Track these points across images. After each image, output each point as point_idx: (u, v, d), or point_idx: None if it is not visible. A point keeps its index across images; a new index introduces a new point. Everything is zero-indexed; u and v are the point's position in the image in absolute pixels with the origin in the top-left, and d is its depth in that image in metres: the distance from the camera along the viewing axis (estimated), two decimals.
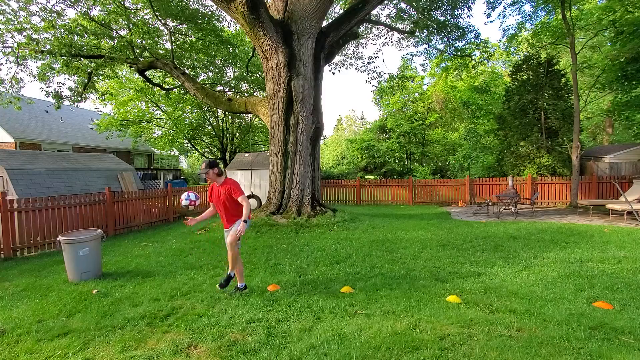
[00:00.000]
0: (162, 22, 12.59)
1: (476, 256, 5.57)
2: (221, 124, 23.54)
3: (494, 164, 16.74)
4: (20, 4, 10.22)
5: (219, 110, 20.73)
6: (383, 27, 14.97)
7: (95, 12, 11.63)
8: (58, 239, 4.71)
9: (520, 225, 8.28)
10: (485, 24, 26.62)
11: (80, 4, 10.85)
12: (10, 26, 10.40)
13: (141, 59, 12.43)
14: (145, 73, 13.29)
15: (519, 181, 13.22)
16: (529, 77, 14.25)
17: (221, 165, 4.05)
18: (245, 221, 3.78)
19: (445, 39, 14.02)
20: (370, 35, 15.92)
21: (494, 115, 17.23)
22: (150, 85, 15.68)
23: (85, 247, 4.71)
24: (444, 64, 17.57)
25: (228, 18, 15.13)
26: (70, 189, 10.18)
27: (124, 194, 9.24)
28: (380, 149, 26.89)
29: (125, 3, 11.57)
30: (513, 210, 10.69)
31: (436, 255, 5.69)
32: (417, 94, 28.13)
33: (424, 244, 6.57)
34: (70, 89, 12.71)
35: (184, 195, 3.99)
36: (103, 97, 15.99)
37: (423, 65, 26.39)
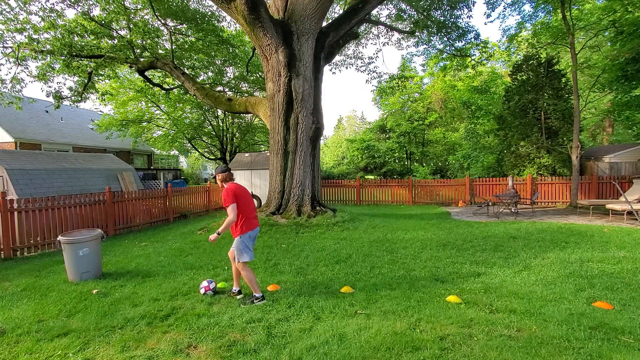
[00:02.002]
0: (162, 22, 12.59)
1: (476, 256, 5.57)
2: (221, 124, 23.53)
3: (494, 164, 16.73)
4: (20, 3, 10.22)
5: (219, 110, 20.73)
6: (383, 27, 14.97)
7: (95, 12, 11.65)
8: (58, 239, 4.71)
9: (520, 225, 8.28)
10: (485, 24, 26.72)
11: (80, 4, 10.85)
12: (11, 26, 10.39)
13: (141, 59, 12.43)
14: (145, 73, 13.29)
15: (519, 181, 13.22)
16: (529, 77, 14.24)
17: (230, 173, 4.13)
18: (218, 233, 3.64)
19: (445, 39, 14.03)
20: (370, 35, 15.93)
21: (494, 115, 17.22)
22: (150, 85, 15.68)
23: (85, 247, 4.71)
24: (442, 64, 17.54)
25: (228, 18, 15.14)
26: (70, 189, 10.17)
27: (124, 194, 9.23)
28: (380, 149, 26.92)
29: (125, 3, 11.56)
30: (513, 210, 10.68)
31: (436, 255, 5.69)
32: (417, 94, 28.15)
33: (424, 244, 6.58)
34: (71, 89, 12.72)
35: (201, 284, 4.13)
36: (103, 97, 15.97)
37: (423, 65, 26.47)
